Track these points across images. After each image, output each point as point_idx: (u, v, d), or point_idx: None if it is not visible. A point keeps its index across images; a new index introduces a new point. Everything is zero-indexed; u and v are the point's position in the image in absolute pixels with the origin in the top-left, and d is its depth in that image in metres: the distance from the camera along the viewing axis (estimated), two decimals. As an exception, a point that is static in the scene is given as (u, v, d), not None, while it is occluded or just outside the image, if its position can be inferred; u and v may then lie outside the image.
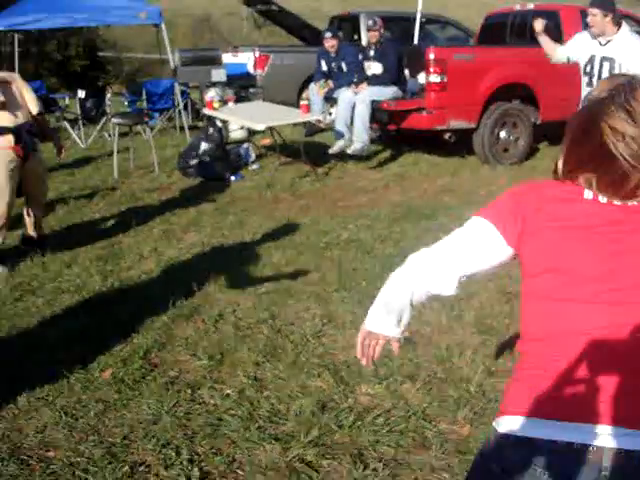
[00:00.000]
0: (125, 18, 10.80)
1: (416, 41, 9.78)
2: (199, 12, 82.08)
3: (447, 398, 3.24)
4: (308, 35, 13.05)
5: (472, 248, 1.54)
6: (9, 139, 4.99)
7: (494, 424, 1.50)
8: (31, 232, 5.61)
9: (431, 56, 7.83)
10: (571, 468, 1.34)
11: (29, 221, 5.58)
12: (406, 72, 8.84)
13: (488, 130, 8.36)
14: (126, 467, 2.78)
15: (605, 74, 5.18)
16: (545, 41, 5.85)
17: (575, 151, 1.47)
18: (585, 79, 5.46)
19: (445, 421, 3.06)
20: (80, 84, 16.79)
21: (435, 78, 7.86)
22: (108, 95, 12.67)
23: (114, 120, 8.77)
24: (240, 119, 8.36)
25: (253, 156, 8.82)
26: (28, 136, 5.16)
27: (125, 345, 3.86)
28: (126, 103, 12.93)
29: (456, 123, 8.18)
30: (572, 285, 1.40)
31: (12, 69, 12.27)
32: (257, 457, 2.84)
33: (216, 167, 8.12)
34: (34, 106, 5.35)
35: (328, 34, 8.84)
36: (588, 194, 1.43)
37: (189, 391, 3.36)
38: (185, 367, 3.64)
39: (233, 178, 8.03)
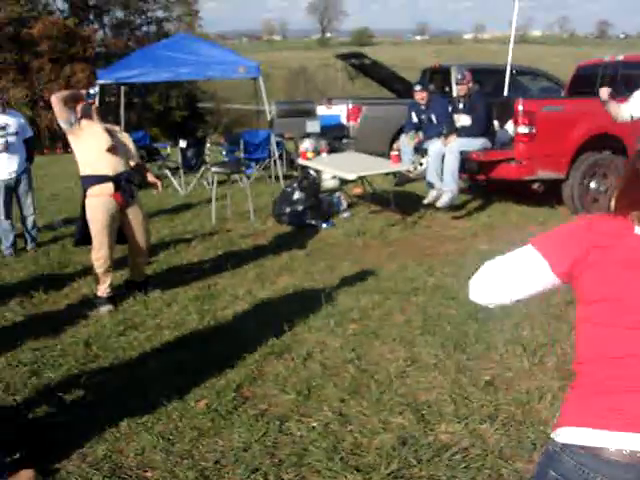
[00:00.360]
0: (225, 72, 11.36)
1: (506, 93, 9.91)
2: (295, 64, 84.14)
3: (524, 439, 3.34)
4: (400, 87, 13.34)
5: (522, 278, 1.72)
6: (109, 187, 5.40)
7: (552, 435, 1.66)
8: (132, 277, 5.99)
9: (520, 108, 7.95)
10: (620, 471, 1.50)
11: (131, 266, 5.96)
12: (496, 123, 8.99)
13: (577, 180, 8.36)
14: (218, 489, 3.00)
15: None
16: (612, 106, 5.96)
17: (628, 191, 1.63)
18: None
19: (521, 460, 3.15)
20: (180, 134, 17.53)
21: (524, 129, 7.97)
22: (208, 145, 13.24)
23: (213, 169, 9.20)
24: (332, 169, 8.65)
25: (344, 204, 9.07)
26: (127, 184, 5.56)
27: (219, 379, 4.12)
28: (224, 153, 13.46)
29: (545, 173, 8.24)
30: (620, 313, 1.56)
31: (117, 119, 13.08)
32: (339, 486, 3.01)
33: (308, 215, 8.41)
34: (134, 157, 5.79)
35: (418, 87, 9.08)
36: (638, 230, 1.58)
37: (277, 423, 3.57)
38: (274, 401, 3.85)
39: (325, 225, 8.29)
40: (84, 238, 5.61)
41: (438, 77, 12.96)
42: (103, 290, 5.57)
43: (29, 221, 7.51)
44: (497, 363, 4.26)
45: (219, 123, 46.44)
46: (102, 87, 10.74)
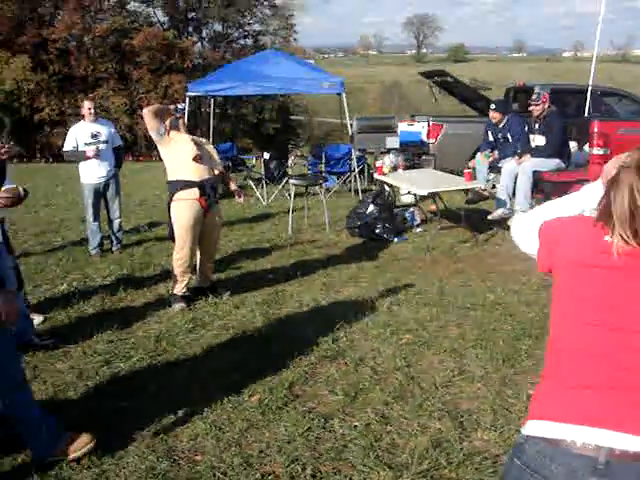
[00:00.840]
0: (310, 87, 11.73)
1: (587, 114, 9.88)
2: (390, 79, 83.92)
3: (556, 450, 3.46)
4: (482, 105, 13.41)
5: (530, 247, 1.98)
6: (195, 191, 5.76)
7: (521, 429, 1.85)
8: (200, 283, 6.31)
9: (595, 129, 7.99)
10: (573, 461, 1.68)
11: (199, 271, 6.30)
12: (574, 144, 9.00)
13: (652, 205, 8.30)
14: (258, 475, 3.27)
15: None
16: None
17: (605, 201, 1.79)
18: None
19: (549, 469, 3.28)
20: (270, 146, 17.86)
21: (598, 150, 8.01)
22: (292, 158, 13.64)
23: (291, 181, 9.53)
24: (406, 184, 8.84)
25: (418, 220, 9.25)
26: (211, 191, 5.92)
27: (274, 377, 4.39)
28: (308, 166, 13.81)
29: (619, 196, 8.20)
30: (581, 309, 1.76)
31: (208, 128, 13.63)
32: (372, 480, 3.23)
33: (381, 228, 8.62)
34: (218, 165, 6.16)
35: (493, 106, 9.19)
36: (608, 238, 1.74)
37: (322, 420, 3.81)
38: (322, 400, 4.09)
39: (396, 240, 8.48)
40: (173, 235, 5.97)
41: (522, 96, 12.97)
42: (179, 289, 5.94)
43: (115, 224, 7.99)
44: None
45: (311, 136, 47.18)
46: (196, 98, 11.29)
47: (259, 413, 3.90)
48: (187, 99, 11.03)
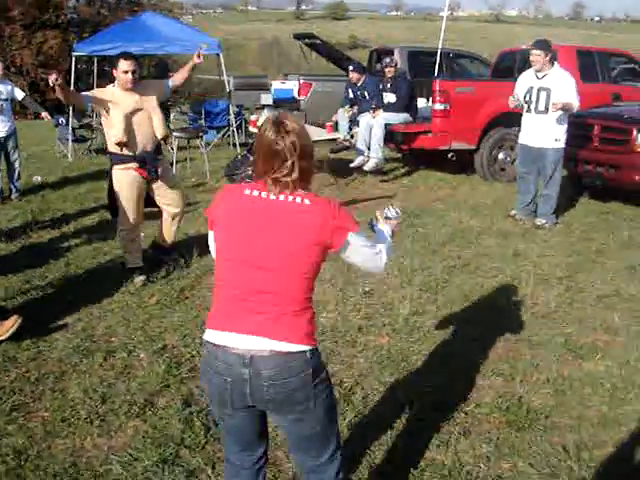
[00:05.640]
0: (188, 48, 12.61)
1: (436, 74, 11.28)
2: (269, 36, 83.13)
3: (377, 319, 4.78)
4: (347, 65, 14.63)
5: None
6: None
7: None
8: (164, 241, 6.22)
9: (437, 87, 9.40)
10: (229, 358, 2.22)
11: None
12: (424, 101, 10.43)
13: (486, 152, 9.86)
14: (160, 345, 4.45)
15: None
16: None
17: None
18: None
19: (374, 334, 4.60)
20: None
21: (439, 106, 9.42)
22: (173, 114, 14.54)
23: (175, 134, 10.53)
24: (275, 136, 9.98)
25: (289, 167, 10.47)
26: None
27: (168, 284, 5.60)
28: (189, 122, 14.72)
29: (457, 144, 9.70)
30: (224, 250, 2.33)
31: (91, 86, 14.28)
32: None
33: (256, 176, 9.79)
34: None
35: (351, 68, 10.50)
36: (247, 191, 2.27)
37: (205, 311, 4.98)
38: (206, 301, 5.24)
39: (270, 185, 9.68)
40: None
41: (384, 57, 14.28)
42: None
43: (15, 173, 8.78)
44: (378, 280, 5.67)
45: (191, 92, 47.23)
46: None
47: (158, 308, 5.09)
48: (73, 59, 11.78)
